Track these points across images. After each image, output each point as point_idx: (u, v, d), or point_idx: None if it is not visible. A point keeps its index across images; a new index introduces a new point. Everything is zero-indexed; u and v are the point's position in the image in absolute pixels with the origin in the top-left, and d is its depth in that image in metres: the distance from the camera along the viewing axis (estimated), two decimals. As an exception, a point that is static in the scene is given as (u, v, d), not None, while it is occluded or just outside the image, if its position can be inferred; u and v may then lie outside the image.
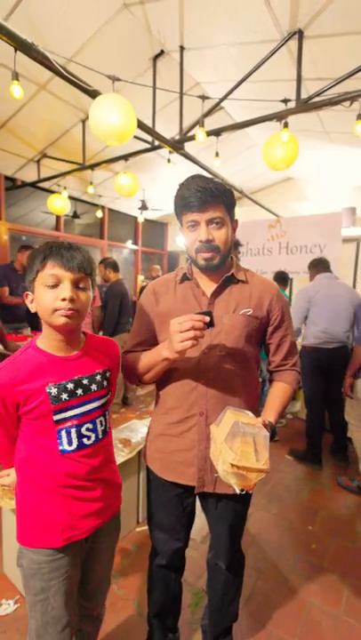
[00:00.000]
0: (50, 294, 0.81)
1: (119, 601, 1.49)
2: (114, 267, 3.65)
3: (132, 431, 2.12)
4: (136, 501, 1.94)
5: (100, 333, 3.69)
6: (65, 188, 4.26)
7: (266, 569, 1.68)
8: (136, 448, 1.89)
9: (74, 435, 0.87)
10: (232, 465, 0.77)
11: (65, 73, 1.93)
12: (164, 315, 1.03)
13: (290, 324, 1.07)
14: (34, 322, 3.95)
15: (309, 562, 1.74)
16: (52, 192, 4.41)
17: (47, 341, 0.88)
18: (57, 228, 5.19)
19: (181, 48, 2.63)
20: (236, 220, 1.04)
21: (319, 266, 2.76)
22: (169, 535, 1.11)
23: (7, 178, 4.39)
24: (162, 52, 2.77)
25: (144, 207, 5.31)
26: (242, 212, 5.15)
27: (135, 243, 6.56)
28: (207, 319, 0.83)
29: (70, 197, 4.37)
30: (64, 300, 0.80)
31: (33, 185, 4.33)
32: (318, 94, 2.10)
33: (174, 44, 2.61)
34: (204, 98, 2.45)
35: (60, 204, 4.15)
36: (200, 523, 1.14)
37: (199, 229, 0.95)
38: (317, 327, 2.57)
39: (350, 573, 1.67)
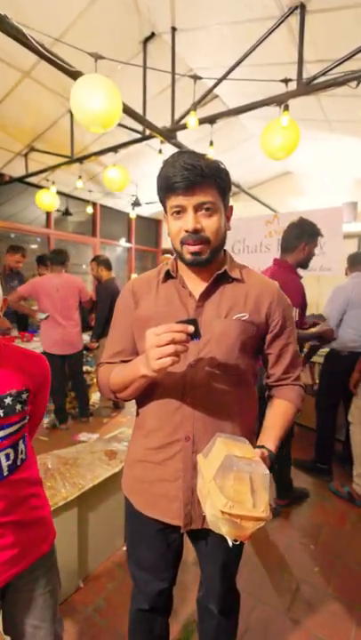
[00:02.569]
0: None
1: (101, 633, 1.33)
2: (107, 265, 3.50)
3: (120, 442, 1.96)
4: (123, 518, 1.78)
5: (89, 335, 3.53)
6: (53, 183, 4.07)
7: (264, 596, 1.52)
8: (123, 461, 1.73)
9: None
10: (223, 512, 0.61)
11: (43, 51, 1.75)
12: (144, 320, 0.86)
13: (293, 330, 0.90)
14: (22, 323, 3.80)
15: (313, 587, 1.58)
16: (41, 188, 4.23)
17: None
18: (47, 225, 5.01)
19: (173, 29, 2.46)
20: (231, 207, 0.87)
21: (356, 261, 2.57)
22: (152, 575, 0.94)
23: (-6, 173, 4.20)
24: (152, 34, 2.59)
25: (137, 203, 5.14)
26: (238, 207, 4.98)
27: (128, 240, 6.38)
28: (191, 329, 0.65)
29: (60, 193, 4.18)
30: None
31: (21, 180, 4.15)
32: (323, 73, 1.93)
33: (165, 25, 2.44)
34: (196, 78, 2.27)
35: (48, 199, 3.97)
36: (189, 543, 0.97)
37: (186, 217, 0.78)
38: (353, 331, 2.40)
39: (358, 601, 1.51)
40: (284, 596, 1.53)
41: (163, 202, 0.84)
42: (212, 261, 0.82)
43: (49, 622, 0.84)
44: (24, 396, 0.78)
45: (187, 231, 0.78)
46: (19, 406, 0.77)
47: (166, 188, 0.78)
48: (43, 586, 0.83)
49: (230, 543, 0.64)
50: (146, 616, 0.99)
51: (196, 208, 0.77)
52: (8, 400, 0.75)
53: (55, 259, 3.18)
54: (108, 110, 1.82)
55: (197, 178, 0.74)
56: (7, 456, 0.75)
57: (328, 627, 1.39)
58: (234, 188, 4.75)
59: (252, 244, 4.27)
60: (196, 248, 0.78)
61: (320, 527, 1.97)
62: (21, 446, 0.79)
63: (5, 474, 0.75)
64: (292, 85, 2.08)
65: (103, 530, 1.65)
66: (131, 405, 3.69)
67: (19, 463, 0.78)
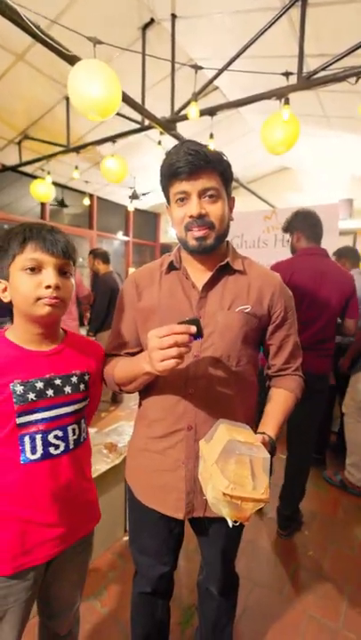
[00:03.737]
0: (30, 281, 0.72)
1: (103, 621, 1.35)
2: (104, 258, 3.46)
3: (120, 434, 1.97)
4: (123, 509, 1.80)
5: (86, 329, 3.52)
6: (48, 173, 4.01)
7: (260, 579, 1.57)
8: (123, 453, 1.74)
9: (39, 442, 0.76)
10: (224, 494, 0.62)
11: (39, 33, 1.71)
12: (147, 311, 0.87)
13: (294, 321, 0.91)
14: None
15: (307, 570, 1.64)
16: (36, 178, 4.17)
17: (20, 333, 0.78)
18: (42, 216, 4.95)
19: (173, 16, 2.42)
20: (233, 198, 0.88)
21: (354, 257, 2.62)
22: (154, 559, 0.97)
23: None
24: (152, 20, 2.55)
25: (135, 196, 5.09)
26: (237, 202, 4.98)
27: (126, 234, 6.34)
28: (193, 330, 0.66)
29: (56, 184, 4.12)
30: (48, 287, 0.72)
31: (14, 169, 4.08)
32: (323, 68, 1.92)
33: (165, 12, 2.40)
34: (197, 68, 2.25)
35: (43, 190, 3.91)
36: (190, 529, 1.00)
37: (190, 203, 0.78)
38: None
39: (349, 582, 1.57)
40: (279, 578, 1.58)
41: (166, 190, 0.84)
42: (215, 249, 0.83)
43: (78, 593, 0.94)
44: (86, 377, 0.84)
45: (191, 216, 0.78)
46: (82, 386, 0.83)
47: (170, 174, 0.79)
48: (80, 562, 0.91)
49: (230, 524, 0.66)
50: (148, 599, 1.02)
51: (200, 194, 0.78)
52: (74, 379, 0.81)
53: None
54: (107, 98, 1.77)
55: (201, 163, 0.75)
56: (73, 431, 0.82)
57: (321, 606, 1.45)
58: (233, 183, 4.75)
59: (251, 239, 4.28)
60: (200, 233, 0.78)
61: (314, 514, 2.02)
62: (83, 425, 0.86)
63: (72, 447, 0.81)
64: (293, 79, 2.07)
65: (103, 521, 1.65)
66: (129, 399, 3.70)
67: (81, 440, 0.85)
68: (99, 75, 1.69)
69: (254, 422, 0.92)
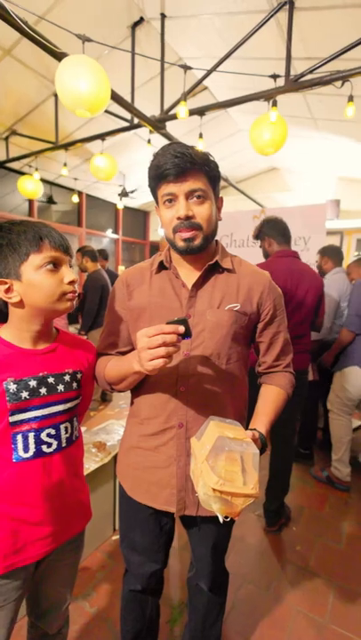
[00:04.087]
0: (53, 278, 0.74)
1: (92, 620, 1.36)
2: (92, 256, 3.43)
3: (109, 433, 1.97)
4: (112, 508, 1.80)
5: (77, 327, 3.49)
6: (36, 169, 3.96)
7: (249, 574, 1.59)
8: (112, 452, 1.74)
9: (31, 440, 0.76)
10: (214, 490, 0.64)
11: (27, 29, 1.68)
12: (138, 310, 0.88)
13: (283, 318, 0.92)
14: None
15: (294, 565, 1.67)
16: (24, 174, 4.11)
17: (15, 332, 0.78)
18: (30, 214, 4.88)
19: (162, 16, 2.42)
20: (221, 198, 0.89)
21: (334, 256, 2.67)
22: (145, 557, 0.97)
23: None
24: (141, 19, 2.55)
25: (124, 194, 5.06)
26: (226, 201, 5.01)
27: (115, 231, 6.30)
28: (181, 330, 0.67)
29: (44, 181, 4.07)
30: (71, 282, 0.76)
31: (1, 165, 4.01)
32: (310, 72, 1.96)
33: (155, 11, 2.40)
34: (186, 68, 2.25)
35: (31, 186, 3.85)
36: (180, 528, 1.01)
37: (177, 204, 0.79)
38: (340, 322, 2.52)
39: (335, 576, 1.61)
40: (267, 574, 1.61)
41: (154, 192, 0.85)
42: (204, 249, 0.84)
43: (68, 591, 0.94)
44: (78, 376, 0.85)
45: (179, 218, 0.79)
46: (75, 384, 0.83)
47: (157, 176, 0.79)
48: (70, 561, 0.91)
49: (221, 520, 0.67)
50: (138, 597, 1.02)
51: (188, 195, 0.78)
52: (67, 377, 0.82)
53: None
54: (96, 94, 1.75)
55: (187, 165, 0.76)
56: (66, 429, 0.82)
57: (308, 601, 1.48)
58: (222, 182, 4.77)
59: (240, 239, 4.32)
60: (188, 234, 0.79)
61: (301, 509, 2.06)
62: (75, 423, 0.86)
63: (64, 445, 0.81)
64: (281, 81, 2.10)
65: (92, 520, 1.66)
66: (118, 398, 3.70)
67: (74, 439, 0.85)
68: (87, 70, 1.67)
69: (245, 419, 0.94)
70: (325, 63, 1.96)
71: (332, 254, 2.69)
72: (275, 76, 2.12)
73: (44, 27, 2.06)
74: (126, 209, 6.04)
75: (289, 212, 4.09)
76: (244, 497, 0.65)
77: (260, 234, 2.02)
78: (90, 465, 1.61)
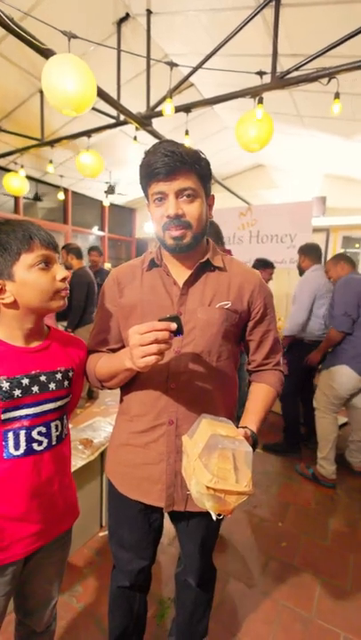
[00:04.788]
0: (46, 276, 0.75)
1: (79, 616, 1.36)
2: (77, 253, 3.40)
3: (95, 430, 1.96)
4: (99, 505, 1.80)
5: (64, 324, 3.45)
6: (22, 166, 3.89)
7: (236, 571, 1.61)
8: (99, 449, 1.73)
9: (22, 438, 0.76)
10: (208, 487, 0.64)
11: (12, 25, 1.65)
12: (129, 308, 0.87)
13: (273, 317, 0.93)
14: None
15: (280, 561, 1.69)
16: (9, 171, 4.02)
17: (7, 330, 0.78)
18: (16, 211, 4.79)
19: (148, 12, 2.40)
20: (213, 196, 0.89)
21: (312, 253, 2.72)
22: (133, 554, 0.98)
23: None
24: (127, 15, 2.52)
25: (111, 191, 5.02)
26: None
27: (102, 229, 6.24)
28: (173, 327, 0.67)
29: (30, 178, 3.99)
30: (63, 279, 0.77)
31: (-15, 162, 3.92)
32: (296, 68, 1.97)
33: (141, 8, 2.37)
34: (172, 65, 2.24)
35: (17, 183, 3.78)
36: (167, 524, 1.01)
37: (167, 203, 0.79)
38: (320, 320, 2.57)
39: (321, 572, 1.63)
40: (253, 570, 1.63)
41: (145, 190, 0.84)
42: (193, 247, 0.84)
43: (56, 589, 0.94)
44: (70, 374, 0.85)
45: (168, 217, 0.79)
46: (66, 383, 0.84)
47: (147, 175, 0.79)
48: (58, 558, 0.91)
49: (214, 517, 0.67)
50: (126, 593, 1.03)
51: (177, 194, 0.78)
52: (58, 375, 0.82)
53: None
54: (82, 93, 1.74)
55: (177, 164, 0.75)
56: (56, 427, 0.83)
57: (294, 596, 1.50)
58: (208, 179, 4.77)
59: (226, 236, 4.31)
60: (177, 233, 0.79)
61: (287, 506, 2.09)
62: (65, 421, 0.87)
63: (54, 443, 0.82)
64: (267, 78, 2.11)
65: (79, 516, 1.66)
66: (104, 396, 3.66)
67: (63, 437, 0.85)
68: (73, 70, 1.65)
69: (235, 417, 0.95)
70: (311, 60, 1.96)
71: (308, 252, 2.75)
72: (261, 73, 2.12)
73: (30, 22, 2.02)
74: (112, 206, 5.98)
75: (276, 210, 4.14)
76: (238, 495, 0.66)
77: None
78: (77, 462, 1.61)
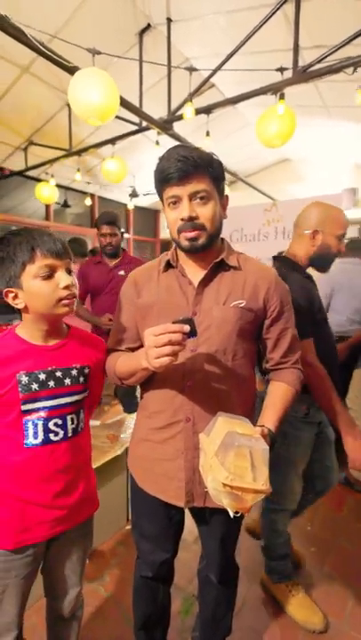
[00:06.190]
0: (48, 286, 0.78)
1: (106, 604, 1.41)
2: None
3: (121, 426, 2.02)
4: (126, 499, 1.86)
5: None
6: (52, 176, 4.08)
7: (261, 573, 1.56)
8: (124, 444, 1.79)
9: (40, 428, 0.83)
10: (224, 485, 0.66)
11: (41, 47, 1.78)
12: (146, 308, 0.91)
13: (291, 315, 0.93)
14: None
15: (309, 566, 1.63)
16: (41, 181, 4.24)
17: (28, 330, 0.84)
18: (47, 217, 5.02)
19: (168, 20, 2.44)
20: (227, 196, 0.91)
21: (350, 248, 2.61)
22: (155, 545, 1.01)
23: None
24: (148, 25, 2.57)
25: (134, 194, 5.12)
26: (236, 196, 4.97)
27: (127, 231, 6.37)
28: (187, 329, 0.70)
29: (59, 186, 4.19)
30: (66, 287, 0.79)
31: (20, 173, 4.16)
32: (319, 61, 1.92)
33: (161, 17, 2.42)
34: (191, 70, 2.27)
35: (47, 192, 3.99)
36: (191, 522, 1.03)
37: (181, 206, 0.82)
38: (340, 315, 2.45)
39: (353, 580, 1.54)
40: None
41: (160, 194, 0.87)
42: (208, 248, 0.86)
43: (78, 575, 0.99)
44: (86, 371, 0.90)
45: (183, 219, 0.81)
46: (82, 379, 0.88)
47: (162, 180, 0.82)
48: (79, 548, 0.96)
49: (232, 515, 0.68)
50: (149, 583, 1.06)
51: (191, 197, 0.81)
52: (74, 372, 0.87)
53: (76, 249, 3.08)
54: (106, 103, 1.83)
55: (190, 168, 0.78)
56: (72, 420, 0.87)
57: (324, 603, 1.42)
58: (231, 177, 4.73)
59: (250, 233, 4.28)
60: (192, 234, 0.82)
61: (317, 509, 1.99)
62: (81, 415, 0.91)
63: (70, 435, 0.87)
64: (288, 74, 2.08)
65: (107, 509, 1.71)
66: (133, 394, 3.76)
67: (79, 430, 0.90)
68: (96, 82, 1.75)
69: (253, 415, 0.95)
70: (334, 51, 1.91)
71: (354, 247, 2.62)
72: (282, 69, 2.09)
73: (57, 42, 2.15)
74: (136, 208, 6.09)
75: (302, 204, 4.01)
76: (255, 493, 0.67)
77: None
78: (103, 456, 1.67)
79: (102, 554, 1.66)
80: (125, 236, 6.33)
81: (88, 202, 5.04)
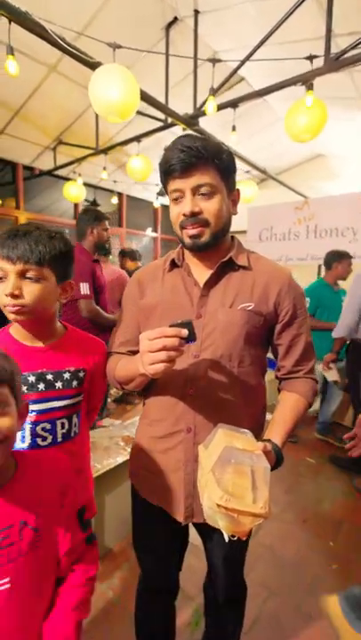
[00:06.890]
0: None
1: (114, 608, 1.39)
2: (131, 255, 3.59)
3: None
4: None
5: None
6: (80, 175, 4.15)
7: (277, 588, 1.50)
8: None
9: (28, 432, 0.80)
10: (218, 505, 0.60)
11: (63, 44, 1.77)
12: (149, 309, 0.86)
13: (305, 320, 0.85)
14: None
15: (328, 583, 1.54)
16: (69, 180, 4.33)
17: (17, 330, 0.83)
18: (75, 217, 5.13)
19: (196, 12, 2.39)
20: (238, 190, 0.84)
21: None
22: (157, 559, 0.96)
23: (25, 167, 4.33)
24: (175, 19, 2.53)
25: (161, 193, 5.11)
26: (265, 195, 4.82)
27: (154, 230, 6.38)
28: (184, 333, 0.64)
29: (87, 185, 4.25)
30: (9, 295, 0.73)
31: (50, 173, 4.26)
32: (353, 47, 1.79)
33: (188, 9, 2.37)
34: (214, 61, 2.20)
35: (75, 191, 4.06)
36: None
37: (183, 200, 0.76)
38: None
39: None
40: (298, 590, 1.51)
41: (165, 188, 0.82)
42: (213, 246, 0.80)
43: None
44: (81, 374, 0.86)
45: (184, 214, 0.76)
46: (75, 382, 0.85)
47: (165, 172, 0.78)
48: None
49: (227, 538, 0.62)
50: (153, 599, 1.01)
51: (194, 190, 0.75)
52: (66, 375, 0.84)
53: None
54: (125, 100, 1.80)
55: (193, 159, 0.72)
56: (62, 425, 0.84)
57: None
58: (260, 175, 4.58)
59: (280, 232, 4.13)
60: (194, 231, 0.76)
61: (340, 524, 1.92)
62: (75, 420, 0.87)
63: (59, 440, 0.83)
64: (318, 62, 1.96)
65: (119, 512, 1.70)
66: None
67: (72, 435, 0.86)
68: (116, 78, 1.72)
69: (263, 427, 0.88)
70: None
71: None
72: (311, 58, 1.97)
73: (84, 39, 2.16)
74: (164, 207, 6.07)
75: (335, 201, 3.83)
76: (252, 516, 0.60)
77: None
78: (116, 458, 1.66)
79: (114, 556, 1.65)
80: (153, 235, 6.34)
81: (114, 200, 5.08)
